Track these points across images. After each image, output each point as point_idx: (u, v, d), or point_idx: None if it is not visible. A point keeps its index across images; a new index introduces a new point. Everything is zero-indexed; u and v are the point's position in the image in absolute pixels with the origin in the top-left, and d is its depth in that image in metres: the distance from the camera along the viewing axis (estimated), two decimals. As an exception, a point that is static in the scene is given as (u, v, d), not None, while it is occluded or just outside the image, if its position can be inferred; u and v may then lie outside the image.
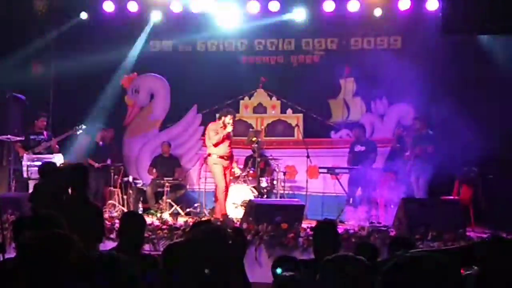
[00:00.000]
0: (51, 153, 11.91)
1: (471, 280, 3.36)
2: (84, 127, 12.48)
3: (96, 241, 6.37)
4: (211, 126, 11.53)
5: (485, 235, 9.49)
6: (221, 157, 11.32)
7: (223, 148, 11.35)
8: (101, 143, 13.16)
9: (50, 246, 3.13)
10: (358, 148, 12.48)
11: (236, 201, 11.74)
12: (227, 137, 11.34)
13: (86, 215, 6.32)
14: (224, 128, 11.16)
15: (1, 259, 5.03)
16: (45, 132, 12.30)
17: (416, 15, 12.91)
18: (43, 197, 7.85)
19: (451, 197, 11.34)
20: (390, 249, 5.58)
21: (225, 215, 10.86)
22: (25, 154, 11.70)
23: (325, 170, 12.35)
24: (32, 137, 12.11)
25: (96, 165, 12.69)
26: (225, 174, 11.40)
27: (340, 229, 8.40)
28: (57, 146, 12.16)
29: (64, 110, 13.54)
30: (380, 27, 13.35)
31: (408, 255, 2.68)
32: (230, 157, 11.52)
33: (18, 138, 12.03)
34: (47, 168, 8.83)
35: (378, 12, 13.07)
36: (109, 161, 13.03)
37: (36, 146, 11.97)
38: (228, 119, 11.28)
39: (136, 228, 5.49)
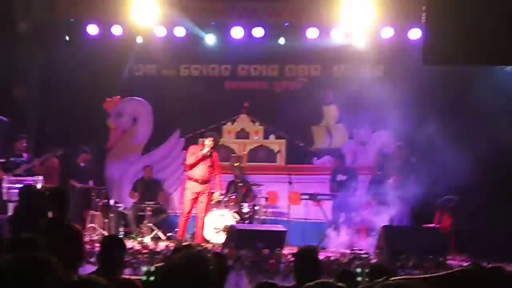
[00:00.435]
0: (31, 175, 11.81)
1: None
2: (61, 152, 12.36)
3: (76, 265, 6.31)
4: (191, 148, 11.75)
5: (466, 264, 9.51)
6: (195, 180, 11.42)
7: (198, 171, 11.45)
8: (82, 164, 13.06)
9: (29, 268, 3.10)
10: (340, 177, 12.51)
11: (217, 226, 11.71)
12: (205, 160, 11.41)
13: (66, 238, 6.27)
14: (202, 150, 11.30)
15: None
16: (25, 154, 12.20)
17: (399, 44, 13.02)
18: (22, 220, 7.78)
19: (432, 225, 11.38)
20: (369, 277, 5.58)
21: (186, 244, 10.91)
22: (5, 177, 11.61)
23: (307, 197, 12.38)
24: (12, 159, 12.02)
25: (78, 185, 12.59)
26: (195, 200, 11.49)
27: (322, 255, 8.39)
28: (40, 166, 12.08)
29: (47, 131, 13.47)
30: (363, 54, 13.42)
31: (389, 283, 2.69)
32: (206, 181, 11.57)
33: (1, 160, 11.94)
34: (27, 191, 8.75)
35: (361, 40, 13.15)
36: (91, 183, 12.94)
37: (16, 168, 11.87)
38: (208, 141, 11.44)
39: (116, 252, 5.45)
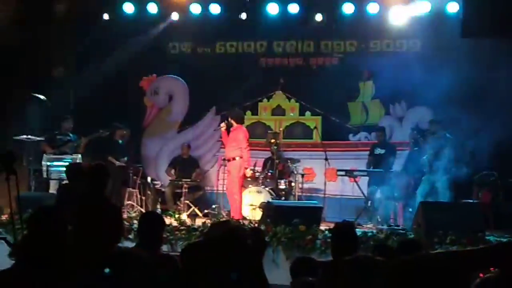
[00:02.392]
0: (76, 153, 11.98)
1: (491, 282, 3.34)
2: (107, 132, 12.50)
3: (115, 241, 6.39)
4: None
5: (504, 239, 9.42)
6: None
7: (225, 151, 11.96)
8: (120, 141, 13.14)
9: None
10: (378, 151, 12.44)
11: (254, 203, 11.75)
12: (226, 139, 12.01)
13: (105, 215, 6.35)
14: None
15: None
16: (71, 134, 12.36)
17: (436, 18, 12.84)
18: (69, 198, 7.86)
19: (471, 201, 11.28)
20: (398, 251, 5.51)
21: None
22: (44, 154, 11.78)
23: (343, 173, 12.32)
24: (58, 137, 12.19)
25: (117, 163, 12.66)
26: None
27: (358, 231, 8.37)
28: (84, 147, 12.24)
29: (85, 111, 13.60)
30: (400, 29, 13.27)
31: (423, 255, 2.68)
32: (229, 159, 11.76)
33: (38, 138, 12.11)
34: (73, 169, 8.87)
35: (397, 15, 12.99)
36: (125, 159, 12.97)
37: (62, 146, 12.05)
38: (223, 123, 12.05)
39: (155, 228, 5.49)
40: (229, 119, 12.05)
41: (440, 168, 11.33)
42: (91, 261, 4.00)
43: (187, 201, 12.39)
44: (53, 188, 11.76)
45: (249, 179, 12.29)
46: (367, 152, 12.82)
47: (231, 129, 11.94)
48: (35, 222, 3.95)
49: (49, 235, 3.78)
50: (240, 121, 12.06)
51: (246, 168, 11.88)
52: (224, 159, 12.17)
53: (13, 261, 3.83)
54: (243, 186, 12.07)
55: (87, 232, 4.43)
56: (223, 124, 12.15)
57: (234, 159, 11.63)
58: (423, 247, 5.38)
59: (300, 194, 12.64)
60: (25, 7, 12.84)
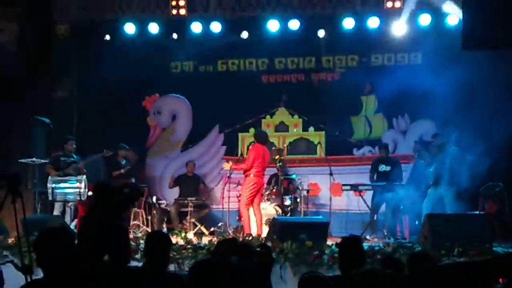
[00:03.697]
0: (80, 174, 11.99)
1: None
2: (111, 152, 12.54)
3: (123, 262, 6.38)
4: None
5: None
6: None
7: None
8: (123, 161, 13.13)
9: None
10: (383, 168, 12.43)
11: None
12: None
13: (113, 236, 6.35)
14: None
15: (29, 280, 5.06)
16: (74, 156, 12.37)
17: (437, 30, 12.89)
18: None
19: (477, 212, 11.26)
20: (412, 264, 5.51)
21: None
22: (50, 176, 11.79)
23: (349, 187, 12.31)
24: (62, 159, 12.20)
25: (121, 181, 12.47)
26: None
27: (365, 245, 8.36)
28: (84, 169, 12.24)
29: (87, 132, 13.64)
30: (400, 43, 13.31)
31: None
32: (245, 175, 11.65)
33: (43, 161, 12.13)
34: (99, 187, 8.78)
35: (398, 28, 13.03)
36: (132, 180, 12.98)
37: (66, 168, 12.06)
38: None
39: (162, 247, 5.48)
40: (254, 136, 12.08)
41: (445, 180, 11.33)
42: (101, 282, 4.00)
43: (193, 220, 12.38)
44: (57, 211, 11.78)
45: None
46: (370, 167, 12.79)
47: (251, 146, 11.97)
48: (42, 244, 3.96)
49: (56, 257, 3.79)
50: (259, 140, 11.81)
51: (256, 187, 11.55)
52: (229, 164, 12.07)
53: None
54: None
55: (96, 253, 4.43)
56: (225, 164, 12.18)
57: (248, 175, 11.52)
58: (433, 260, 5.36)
59: (305, 209, 12.63)
60: (26, 29, 12.94)
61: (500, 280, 3.40)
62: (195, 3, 13.24)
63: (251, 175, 11.34)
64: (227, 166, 11.91)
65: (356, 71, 13.83)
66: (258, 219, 11.39)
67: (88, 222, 7.20)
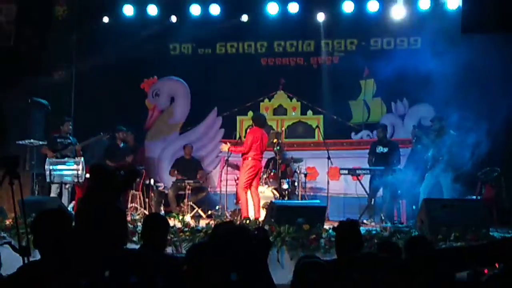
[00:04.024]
0: (77, 156, 11.98)
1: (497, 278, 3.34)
2: (108, 135, 12.52)
3: (121, 243, 6.38)
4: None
5: (508, 235, 9.42)
6: None
7: None
8: (121, 144, 13.12)
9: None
10: (381, 149, 12.42)
11: (257, 203, 11.75)
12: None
13: (110, 217, 6.35)
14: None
15: (26, 262, 5.07)
16: (71, 137, 12.36)
17: (436, 14, 12.85)
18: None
19: (474, 197, 11.28)
20: (407, 249, 5.51)
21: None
22: (47, 158, 11.77)
23: (346, 171, 12.30)
24: (59, 140, 12.19)
25: (113, 165, 12.47)
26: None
27: (362, 229, 8.37)
28: (81, 151, 12.22)
29: (85, 114, 13.63)
30: (400, 27, 13.28)
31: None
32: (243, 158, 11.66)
33: (41, 142, 12.12)
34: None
35: (398, 12, 13.00)
36: (130, 158, 12.91)
37: (63, 149, 12.05)
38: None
39: (159, 230, 5.49)
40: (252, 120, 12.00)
41: (443, 165, 11.33)
42: (97, 263, 4.01)
43: (190, 203, 12.39)
44: (54, 192, 11.78)
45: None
46: (368, 150, 12.80)
47: (249, 130, 11.95)
48: (40, 226, 3.97)
49: (53, 238, 3.80)
50: (257, 123, 11.72)
51: (254, 170, 11.53)
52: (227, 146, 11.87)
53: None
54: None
55: (92, 234, 4.43)
56: (223, 145, 11.99)
57: (246, 158, 11.51)
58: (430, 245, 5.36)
59: (303, 193, 12.64)
60: (24, 10, 12.87)
61: (496, 265, 3.41)
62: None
63: (249, 158, 11.33)
64: (225, 147, 11.83)
65: (355, 55, 13.79)
66: (256, 202, 11.40)
67: (85, 204, 7.21)
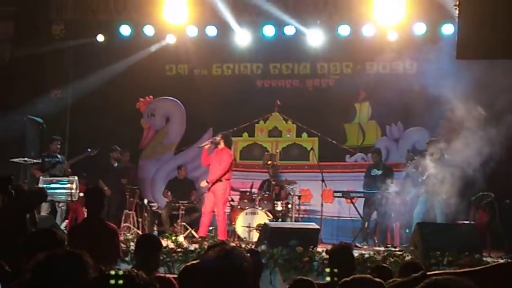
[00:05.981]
0: (66, 175, 11.93)
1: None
2: (95, 151, 12.44)
3: (113, 262, 6.37)
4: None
5: (502, 260, 9.40)
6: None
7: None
8: (115, 164, 13.10)
9: (67, 265, 3.14)
10: (375, 172, 12.42)
11: (250, 224, 11.73)
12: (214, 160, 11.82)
13: (103, 236, 6.34)
14: None
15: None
16: (59, 156, 12.35)
17: (432, 40, 12.89)
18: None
19: (467, 222, 11.27)
20: (400, 274, 5.50)
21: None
22: (41, 177, 11.73)
23: (340, 194, 12.30)
24: (47, 160, 12.17)
25: (106, 189, 12.36)
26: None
27: (355, 253, 8.36)
28: (69, 169, 12.19)
29: (81, 133, 13.62)
30: (396, 51, 13.32)
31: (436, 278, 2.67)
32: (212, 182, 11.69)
33: (35, 161, 12.09)
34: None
35: (393, 37, 13.08)
36: (124, 181, 12.94)
37: (51, 168, 12.02)
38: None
39: (152, 250, 5.49)
40: (219, 138, 11.92)
41: (436, 189, 11.32)
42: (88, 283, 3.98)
43: (183, 223, 12.35)
44: (44, 211, 11.70)
45: (245, 200, 12.29)
46: (364, 173, 12.80)
47: (217, 149, 11.90)
48: (32, 246, 3.94)
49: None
50: (227, 144, 11.96)
51: (230, 190, 11.85)
52: (207, 182, 11.81)
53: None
54: (241, 207, 12.08)
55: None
56: (207, 142, 12.04)
57: (220, 180, 11.56)
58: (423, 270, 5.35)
59: (297, 215, 12.62)
60: (21, 28, 12.91)
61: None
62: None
63: (224, 180, 11.53)
64: (204, 183, 11.90)
65: (351, 78, 13.83)
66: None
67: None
